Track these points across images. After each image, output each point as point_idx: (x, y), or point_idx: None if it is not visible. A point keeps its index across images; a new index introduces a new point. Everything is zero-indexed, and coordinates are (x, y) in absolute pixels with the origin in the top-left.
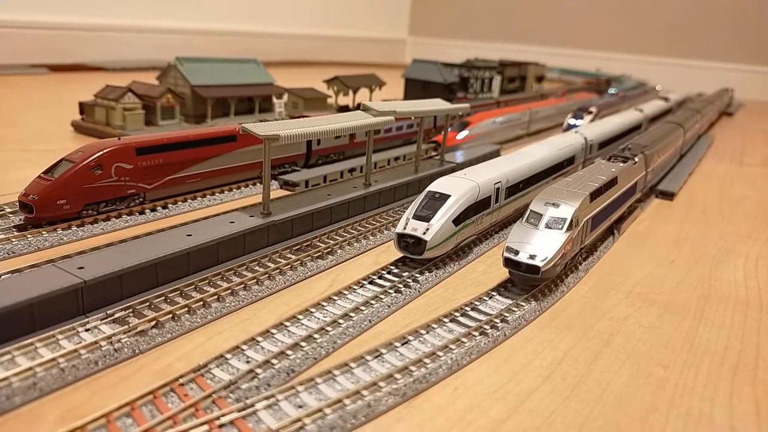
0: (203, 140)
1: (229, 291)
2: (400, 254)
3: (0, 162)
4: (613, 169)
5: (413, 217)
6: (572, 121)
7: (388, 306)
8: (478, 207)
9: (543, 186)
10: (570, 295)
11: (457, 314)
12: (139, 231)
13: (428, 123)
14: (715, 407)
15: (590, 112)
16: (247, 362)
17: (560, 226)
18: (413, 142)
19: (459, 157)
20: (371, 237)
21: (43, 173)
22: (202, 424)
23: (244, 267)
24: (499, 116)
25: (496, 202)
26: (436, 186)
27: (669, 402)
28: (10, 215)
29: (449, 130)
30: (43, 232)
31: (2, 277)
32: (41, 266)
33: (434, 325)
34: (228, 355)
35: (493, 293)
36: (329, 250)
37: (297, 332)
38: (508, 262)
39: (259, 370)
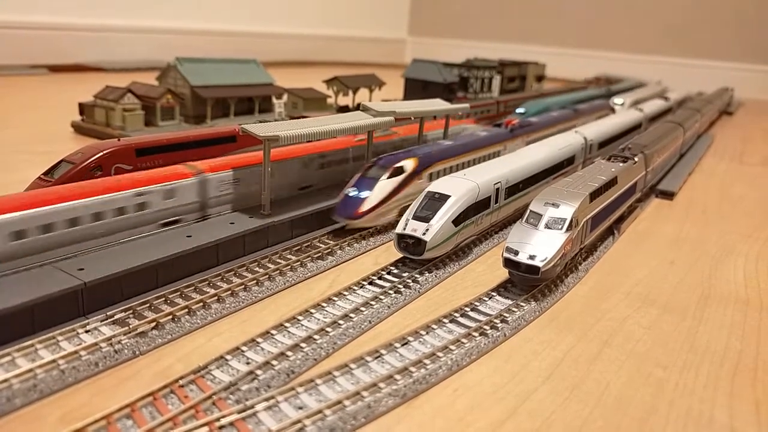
0: (203, 141)
1: (229, 292)
2: (399, 255)
3: (0, 163)
4: (612, 169)
5: (413, 218)
6: (353, 192)
7: (388, 307)
8: (477, 207)
9: (543, 186)
10: (570, 296)
11: (456, 315)
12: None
13: None
14: (715, 408)
15: (398, 172)
16: (247, 363)
17: (560, 227)
18: None
19: None
20: (371, 238)
21: (43, 174)
22: (202, 425)
23: (244, 268)
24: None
25: (496, 202)
26: (436, 186)
27: (669, 403)
28: None
29: None
30: None
31: (2, 278)
32: (42, 267)
33: (434, 326)
34: (228, 357)
35: (492, 294)
36: (329, 250)
37: (297, 333)
38: (508, 263)
39: (259, 372)
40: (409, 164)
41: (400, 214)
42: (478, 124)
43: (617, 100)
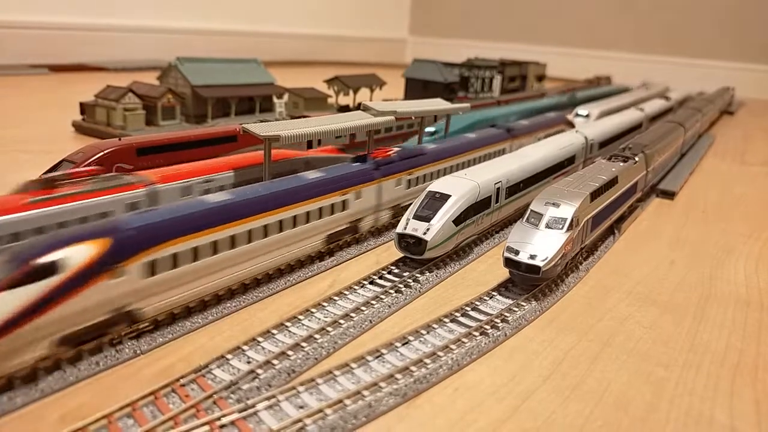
0: (204, 140)
1: (230, 291)
2: (400, 254)
3: (0, 163)
4: (613, 169)
5: (414, 218)
6: None
7: (389, 306)
8: (478, 207)
9: (543, 186)
10: (570, 295)
11: (457, 314)
12: None
13: None
14: (715, 407)
15: (41, 274)
16: (248, 363)
17: (560, 226)
18: None
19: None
20: (372, 237)
21: (44, 174)
22: (203, 424)
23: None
24: None
25: (497, 201)
26: (437, 186)
27: (669, 402)
28: None
29: None
30: None
31: None
32: None
33: (435, 325)
34: (229, 356)
35: (493, 293)
36: (330, 250)
37: (298, 332)
38: (509, 262)
39: (259, 371)
40: (79, 253)
41: (65, 345)
42: (342, 153)
43: (581, 111)
